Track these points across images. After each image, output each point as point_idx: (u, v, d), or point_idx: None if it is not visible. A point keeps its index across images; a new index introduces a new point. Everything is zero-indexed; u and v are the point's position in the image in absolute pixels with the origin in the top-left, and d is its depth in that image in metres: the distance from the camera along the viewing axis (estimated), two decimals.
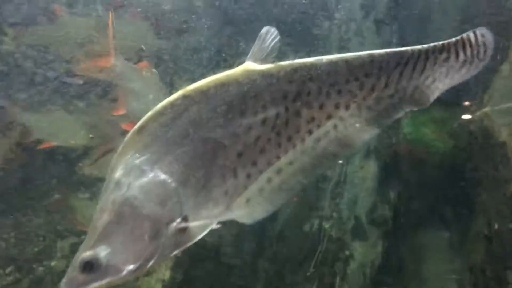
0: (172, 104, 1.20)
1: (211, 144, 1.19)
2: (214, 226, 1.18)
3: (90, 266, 1.08)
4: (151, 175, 1.14)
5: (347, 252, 3.54)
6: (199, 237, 1.16)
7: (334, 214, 3.85)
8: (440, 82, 1.31)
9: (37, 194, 3.51)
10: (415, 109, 1.33)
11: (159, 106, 1.20)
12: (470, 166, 3.50)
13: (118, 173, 1.15)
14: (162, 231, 1.12)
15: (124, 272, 1.09)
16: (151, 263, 1.11)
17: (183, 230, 1.15)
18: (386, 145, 3.99)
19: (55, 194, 3.40)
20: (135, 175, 1.14)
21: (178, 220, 1.14)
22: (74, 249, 3.26)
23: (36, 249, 3.30)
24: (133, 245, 1.10)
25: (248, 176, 1.22)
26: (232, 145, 1.20)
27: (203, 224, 1.16)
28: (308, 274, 3.73)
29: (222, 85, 1.21)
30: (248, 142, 1.22)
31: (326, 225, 3.83)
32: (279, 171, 1.25)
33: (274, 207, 1.23)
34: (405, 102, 1.31)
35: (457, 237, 3.68)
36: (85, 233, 1.16)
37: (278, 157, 1.25)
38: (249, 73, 1.24)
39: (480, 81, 3.26)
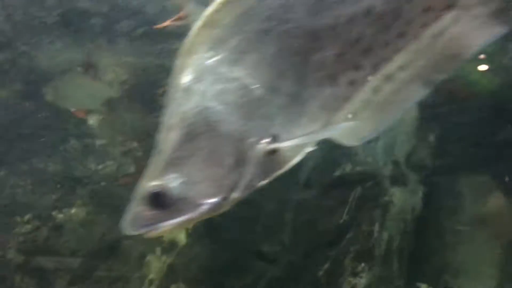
0: None
1: (303, 39, 0.88)
2: (310, 148, 0.90)
3: (160, 199, 0.81)
4: (231, 79, 0.85)
5: (386, 198, 3.31)
6: (291, 164, 0.88)
7: (369, 159, 3.60)
8: None
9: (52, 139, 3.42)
10: None
11: None
12: None
13: (186, 78, 0.85)
14: (247, 153, 0.83)
15: (204, 208, 0.82)
16: (234, 195, 0.84)
17: (272, 153, 0.86)
18: None
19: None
20: (210, 79, 0.84)
21: (267, 139, 0.85)
22: (93, 196, 3.16)
23: (54, 197, 3.21)
24: (212, 172, 0.81)
25: (351, 83, 0.92)
26: (329, 42, 0.90)
27: (296, 145, 0.87)
28: (341, 222, 3.52)
29: None
30: (349, 39, 0.91)
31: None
32: (388, 78, 0.95)
33: (384, 124, 0.95)
34: None
35: (501, 181, 3.45)
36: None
37: (387, 60, 0.95)
38: None
39: None
